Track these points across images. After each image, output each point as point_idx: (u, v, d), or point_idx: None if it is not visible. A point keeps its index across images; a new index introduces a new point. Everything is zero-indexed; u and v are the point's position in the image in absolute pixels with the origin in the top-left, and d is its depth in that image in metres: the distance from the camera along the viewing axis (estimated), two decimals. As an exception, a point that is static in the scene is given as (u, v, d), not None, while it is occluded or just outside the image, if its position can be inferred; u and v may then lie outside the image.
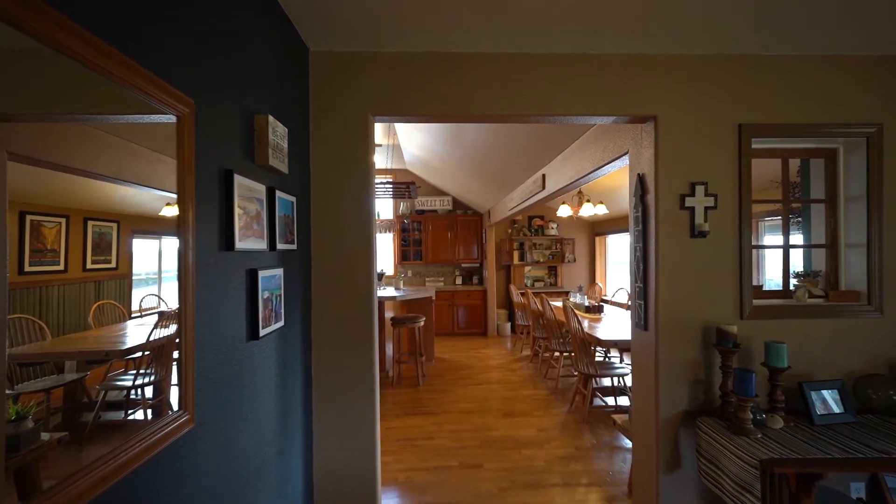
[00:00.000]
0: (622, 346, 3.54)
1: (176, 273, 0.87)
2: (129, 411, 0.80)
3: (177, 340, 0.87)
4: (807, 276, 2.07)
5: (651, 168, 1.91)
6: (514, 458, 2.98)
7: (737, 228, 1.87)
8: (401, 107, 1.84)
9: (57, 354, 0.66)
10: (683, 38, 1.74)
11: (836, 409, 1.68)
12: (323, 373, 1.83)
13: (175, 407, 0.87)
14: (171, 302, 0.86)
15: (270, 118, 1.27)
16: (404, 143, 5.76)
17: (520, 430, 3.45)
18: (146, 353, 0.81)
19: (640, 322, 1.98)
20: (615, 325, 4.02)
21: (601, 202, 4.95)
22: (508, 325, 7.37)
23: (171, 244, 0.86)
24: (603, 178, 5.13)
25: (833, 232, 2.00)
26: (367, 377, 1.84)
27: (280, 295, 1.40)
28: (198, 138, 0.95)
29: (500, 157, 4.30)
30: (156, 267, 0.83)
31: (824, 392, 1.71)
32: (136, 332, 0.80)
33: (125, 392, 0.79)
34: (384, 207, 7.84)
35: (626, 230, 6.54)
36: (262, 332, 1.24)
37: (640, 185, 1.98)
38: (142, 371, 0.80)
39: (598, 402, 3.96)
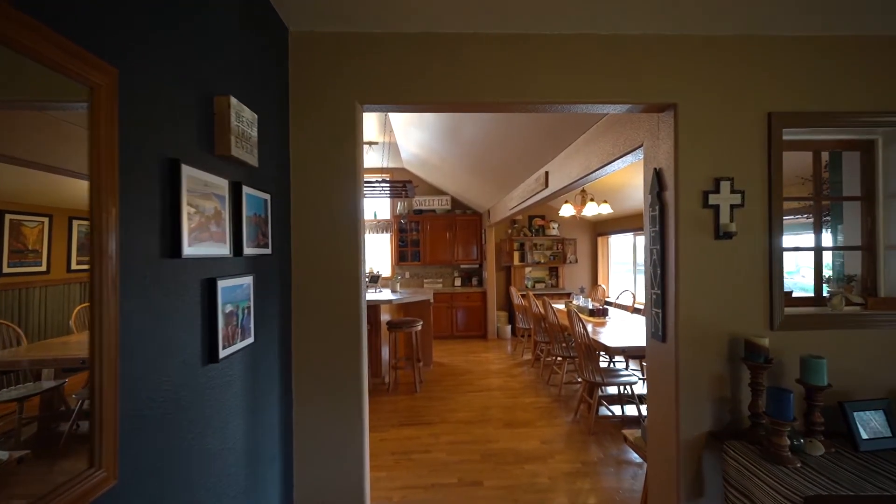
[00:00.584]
0: (630, 354, 3.35)
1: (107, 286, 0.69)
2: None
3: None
4: (839, 281, 1.88)
5: (670, 162, 1.72)
6: (515, 475, 2.79)
7: (766, 229, 1.68)
8: (392, 94, 1.64)
9: (30, 362, 0.64)
10: (706, 16, 1.55)
11: (883, 432, 1.49)
12: (306, 392, 1.63)
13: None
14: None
15: (233, 100, 1.07)
16: (401, 141, 5.57)
17: (522, 443, 3.26)
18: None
19: (658, 332, 1.79)
20: (621, 329, 3.84)
21: (605, 201, 4.77)
22: (509, 327, 7.18)
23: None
24: (607, 176, 4.94)
25: (870, 232, 1.81)
26: (354, 394, 1.65)
27: (248, 307, 1.20)
28: (126, 118, 0.76)
29: (500, 153, 4.11)
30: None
31: (869, 413, 1.52)
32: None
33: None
34: (381, 207, 7.65)
35: (629, 230, 6.34)
36: (222, 353, 1.05)
37: (657, 181, 1.79)
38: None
39: (603, 410, 3.77)
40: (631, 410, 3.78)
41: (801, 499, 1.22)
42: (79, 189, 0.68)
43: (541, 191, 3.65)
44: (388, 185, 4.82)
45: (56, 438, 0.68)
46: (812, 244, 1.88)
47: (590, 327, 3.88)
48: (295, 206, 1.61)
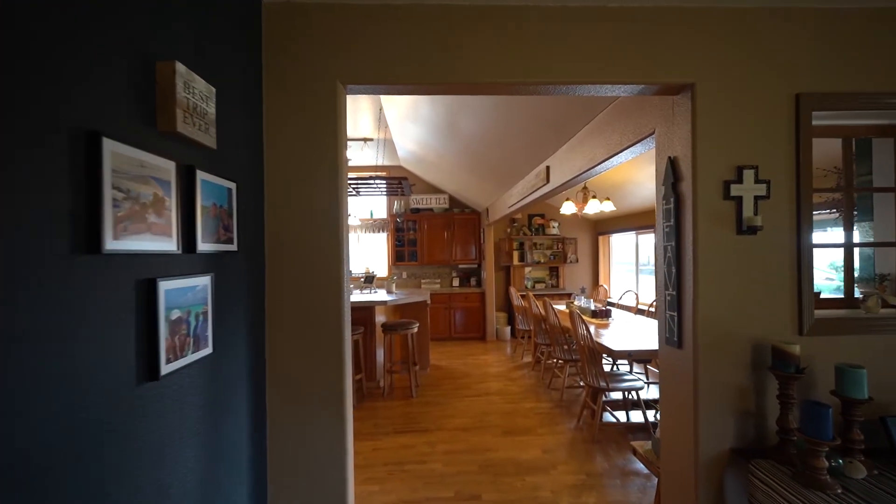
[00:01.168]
0: (637, 358, 3.18)
1: None
2: None
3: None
4: (869, 280, 1.71)
5: (686, 149, 1.55)
6: (516, 488, 2.61)
7: (794, 222, 1.51)
8: (378, 73, 1.47)
9: None
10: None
11: (931, 451, 1.33)
12: (282, 407, 1.46)
13: None
14: None
15: (180, 67, 0.90)
16: (397, 138, 5.40)
17: (522, 452, 3.09)
18: None
19: (673, 338, 1.62)
20: (625, 331, 3.67)
21: (607, 198, 4.60)
22: (508, 328, 7.02)
23: None
24: (609, 173, 4.78)
25: (906, 227, 1.64)
26: (336, 408, 1.47)
27: (205, 312, 1.03)
28: (22, 77, 0.59)
29: (499, 148, 3.94)
30: None
31: (914, 429, 1.35)
32: None
33: None
34: (378, 206, 7.48)
35: (631, 229, 6.18)
36: (166, 369, 0.88)
37: (672, 170, 1.62)
38: None
39: (607, 416, 3.60)
40: (636, 417, 3.62)
41: (848, 534, 1.05)
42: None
43: (541, 186, 3.48)
44: (383, 182, 4.64)
45: None
46: (831, 240, 1.71)
47: (592, 329, 3.71)
48: (269, 198, 1.44)
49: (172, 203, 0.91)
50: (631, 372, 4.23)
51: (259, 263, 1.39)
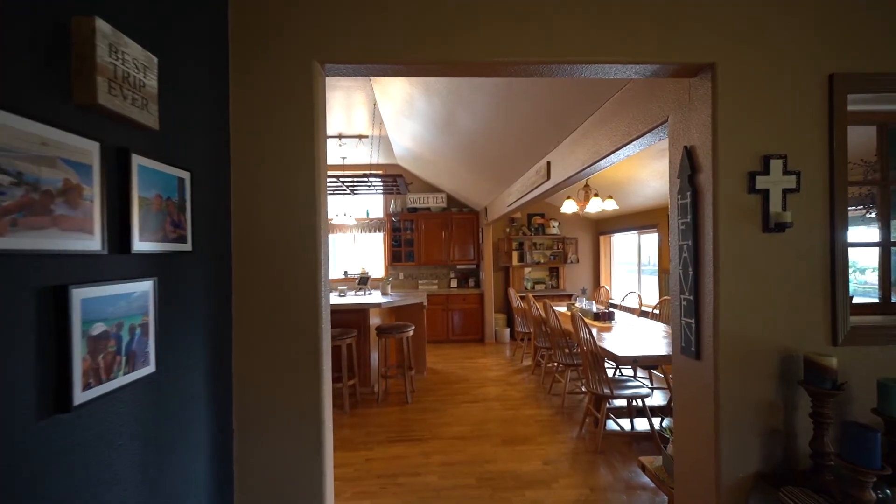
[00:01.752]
0: (643, 364, 3.02)
1: None
2: None
3: None
4: (904, 283, 1.55)
5: (706, 137, 1.38)
6: (516, 504, 2.45)
7: (827, 219, 1.35)
8: (360, 51, 1.31)
9: None
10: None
11: None
12: (251, 429, 1.29)
13: None
14: None
15: (103, 26, 0.74)
16: (393, 135, 5.24)
17: (522, 463, 2.92)
18: None
19: (690, 347, 1.46)
20: (629, 335, 3.50)
21: (610, 196, 4.44)
22: (507, 331, 6.85)
23: None
24: (611, 171, 4.62)
25: (948, 224, 1.48)
26: (313, 428, 1.31)
27: (145, 324, 0.87)
28: None
29: (497, 143, 3.78)
30: None
31: (969, 454, 1.19)
32: None
33: None
34: (374, 205, 7.32)
35: (634, 228, 6.02)
36: (82, 397, 0.71)
37: (689, 161, 1.45)
38: None
39: (610, 424, 3.44)
40: (641, 424, 3.45)
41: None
42: None
43: (542, 183, 3.32)
44: (377, 179, 4.48)
45: None
46: (866, 239, 1.55)
47: (594, 332, 3.55)
48: (237, 191, 1.27)
49: (95, 192, 0.74)
50: (635, 377, 4.07)
51: (223, 265, 1.23)
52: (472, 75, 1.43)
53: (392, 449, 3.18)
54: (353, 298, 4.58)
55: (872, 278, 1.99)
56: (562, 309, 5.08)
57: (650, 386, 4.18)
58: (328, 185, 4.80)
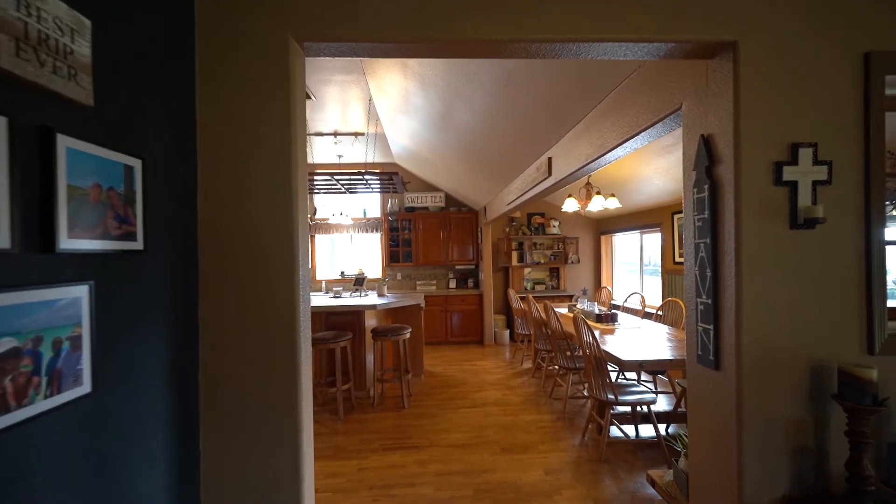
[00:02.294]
0: (649, 369, 2.89)
1: None
2: None
3: None
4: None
5: (726, 125, 1.25)
6: (516, 519, 2.32)
7: (862, 214, 1.22)
8: (341, 26, 1.17)
9: None
10: None
11: None
12: (220, 449, 1.15)
13: None
14: None
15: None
16: (389, 132, 5.10)
17: (522, 473, 2.79)
18: None
19: (708, 356, 1.33)
20: (634, 338, 3.37)
21: (612, 195, 4.30)
22: (507, 332, 6.71)
23: None
24: (613, 167, 4.48)
25: None
26: (290, 446, 1.17)
27: (77, 336, 0.73)
28: None
29: (497, 140, 3.64)
30: None
31: None
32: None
33: None
34: (371, 205, 7.19)
35: (636, 228, 5.89)
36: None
37: (707, 151, 1.32)
38: None
39: (614, 431, 3.31)
40: (647, 430, 3.32)
41: None
42: None
43: (543, 180, 3.19)
44: (372, 177, 4.34)
45: None
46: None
47: (596, 334, 3.41)
48: (204, 184, 1.14)
49: (1, 178, 0.61)
50: (639, 382, 3.94)
51: (187, 266, 1.09)
52: (469, 55, 1.30)
53: (387, 457, 3.05)
54: (347, 300, 4.45)
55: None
56: (563, 310, 4.94)
57: (654, 391, 4.04)
58: (322, 183, 4.67)
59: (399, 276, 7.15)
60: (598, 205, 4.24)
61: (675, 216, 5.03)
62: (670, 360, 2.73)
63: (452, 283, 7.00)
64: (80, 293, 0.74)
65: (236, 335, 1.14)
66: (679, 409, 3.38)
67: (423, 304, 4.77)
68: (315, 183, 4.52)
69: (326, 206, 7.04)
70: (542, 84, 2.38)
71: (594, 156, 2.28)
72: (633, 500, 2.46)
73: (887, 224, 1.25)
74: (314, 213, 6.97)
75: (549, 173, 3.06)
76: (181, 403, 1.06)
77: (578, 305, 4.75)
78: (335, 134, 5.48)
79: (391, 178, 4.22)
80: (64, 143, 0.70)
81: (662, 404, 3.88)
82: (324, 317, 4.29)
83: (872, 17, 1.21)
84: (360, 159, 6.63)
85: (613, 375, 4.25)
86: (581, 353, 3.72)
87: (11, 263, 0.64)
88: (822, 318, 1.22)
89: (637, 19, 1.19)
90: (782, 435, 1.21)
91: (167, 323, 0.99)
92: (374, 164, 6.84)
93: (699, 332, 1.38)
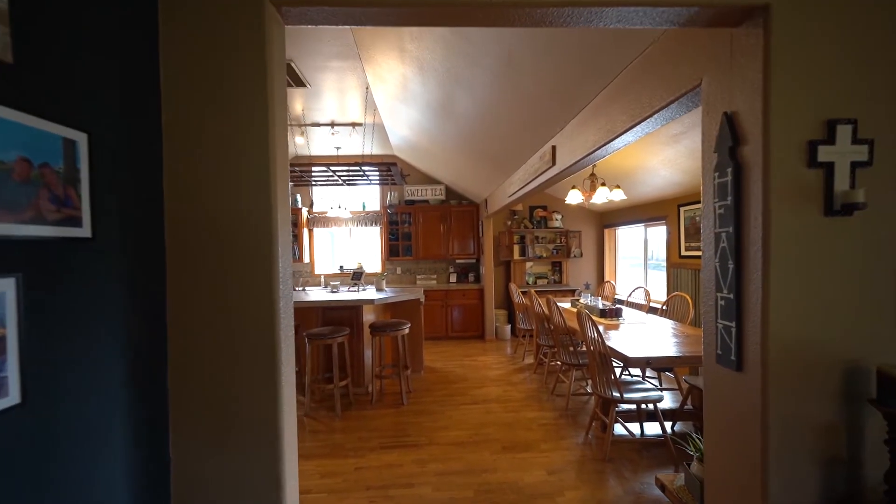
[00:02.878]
0: (656, 366, 2.78)
1: None
2: None
3: None
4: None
5: (754, 101, 1.12)
6: (518, 522, 2.22)
7: (905, 199, 1.10)
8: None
9: None
10: None
11: None
12: (190, 459, 1.04)
13: None
14: None
15: None
16: (388, 122, 4.96)
17: (524, 472, 2.69)
18: None
19: (729, 356, 1.21)
20: (639, 333, 3.26)
21: (618, 186, 4.17)
22: (508, 327, 6.62)
23: None
24: (618, 158, 4.34)
25: None
26: (268, 443, 1.06)
27: (1, 338, 0.62)
28: None
29: (498, 128, 3.51)
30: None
31: None
32: None
33: None
34: (370, 198, 7.06)
35: (640, 221, 5.76)
36: None
37: (731, 130, 1.20)
38: None
39: (618, 428, 3.20)
40: (652, 428, 3.22)
41: None
42: None
43: (546, 169, 3.06)
44: (370, 168, 4.21)
45: None
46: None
47: (601, 328, 3.30)
48: (171, 165, 1.02)
49: None
50: (644, 378, 3.83)
51: (151, 257, 0.98)
52: (466, 22, 1.17)
53: (385, 456, 2.96)
54: (345, 294, 4.34)
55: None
56: (565, 305, 4.83)
57: (659, 387, 3.94)
58: (320, 175, 4.54)
59: (399, 271, 7.04)
60: (602, 196, 4.10)
61: (682, 208, 4.89)
62: (679, 357, 2.62)
63: (453, 278, 6.89)
64: (1, 288, 0.63)
65: (210, 334, 1.03)
66: (686, 407, 3.27)
67: (422, 299, 4.66)
68: (313, 175, 4.40)
69: (325, 199, 6.92)
70: (547, 66, 2.25)
71: (601, 142, 2.15)
72: (638, 500, 2.36)
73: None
74: (311, 206, 6.85)
75: (553, 162, 2.93)
76: (147, 409, 0.96)
77: (582, 300, 4.63)
78: (332, 124, 5.34)
79: (389, 168, 4.10)
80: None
81: (667, 401, 3.78)
82: (321, 312, 4.19)
83: (922, -24, 1.08)
84: (359, 151, 6.50)
85: (617, 371, 4.15)
86: (584, 348, 3.62)
87: None
88: (858, 315, 1.10)
89: (655, -20, 1.06)
90: (811, 442, 1.10)
91: (126, 321, 0.87)
92: (372, 156, 6.71)
93: (719, 329, 1.26)
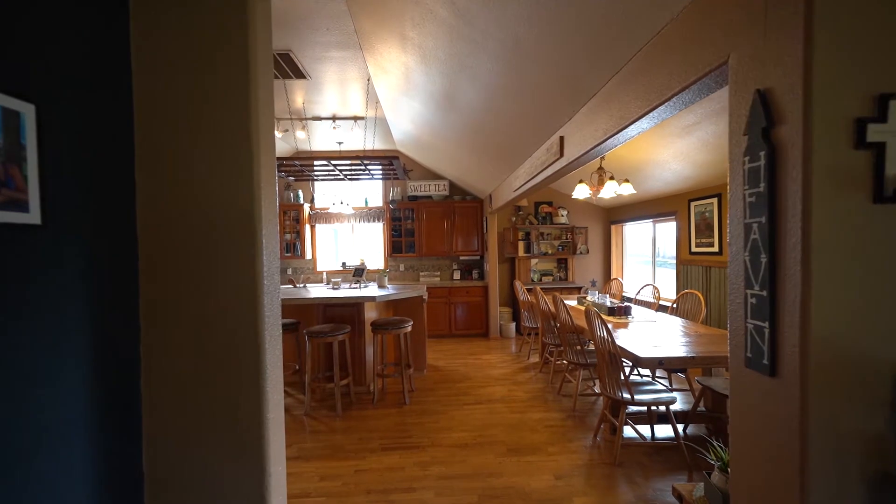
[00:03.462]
0: (669, 367, 2.66)
1: None
2: None
3: None
4: None
5: (793, 74, 1.01)
6: (524, 530, 2.12)
7: (966, 184, 0.97)
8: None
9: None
10: None
11: None
12: (164, 476, 0.95)
13: None
14: None
15: None
16: (391, 116, 4.86)
17: (531, 477, 2.59)
18: None
19: (761, 360, 1.10)
20: (649, 332, 3.14)
21: (627, 180, 4.03)
22: (513, 325, 6.51)
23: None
24: (626, 151, 4.21)
25: None
26: (252, 454, 0.96)
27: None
28: None
29: (504, 120, 3.39)
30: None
31: None
32: None
33: None
34: (373, 193, 6.96)
35: (648, 217, 5.62)
36: None
37: (764, 109, 1.08)
38: None
39: (627, 430, 3.10)
40: (664, 430, 3.10)
41: None
42: None
43: (554, 161, 2.94)
44: (371, 162, 4.11)
45: None
46: None
47: (610, 328, 3.18)
48: (144, 147, 0.92)
49: None
50: (654, 378, 3.71)
51: (120, 247, 0.88)
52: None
53: (386, 458, 2.87)
54: (346, 291, 4.25)
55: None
56: (572, 302, 4.72)
57: (669, 387, 3.82)
58: (321, 169, 4.44)
59: (402, 268, 6.95)
60: (610, 191, 3.97)
61: (693, 203, 4.75)
62: (693, 358, 2.50)
63: (456, 275, 6.79)
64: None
65: (187, 333, 0.93)
66: (699, 409, 3.15)
67: (425, 296, 4.56)
68: (314, 170, 4.30)
69: (327, 195, 6.83)
70: (555, 51, 2.12)
71: (613, 130, 2.03)
72: (652, 509, 2.26)
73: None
74: (313, 202, 6.76)
75: (561, 154, 2.81)
76: (114, 414, 0.86)
77: (589, 297, 4.52)
78: (334, 118, 5.24)
79: (391, 162, 3.99)
80: None
81: (679, 403, 3.66)
82: (321, 309, 4.10)
83: None
84: (361, 146, 6.40)
85: (627, 371, 4.04)
86: (592, 347, 3.51)
87: None
88: (911, 315, 0.98)
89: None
90: (858, 456, 0.99)
91: (88, 315, 0.78)
92: (375, 151, 6.61)
93: (748, 330, 1.15)
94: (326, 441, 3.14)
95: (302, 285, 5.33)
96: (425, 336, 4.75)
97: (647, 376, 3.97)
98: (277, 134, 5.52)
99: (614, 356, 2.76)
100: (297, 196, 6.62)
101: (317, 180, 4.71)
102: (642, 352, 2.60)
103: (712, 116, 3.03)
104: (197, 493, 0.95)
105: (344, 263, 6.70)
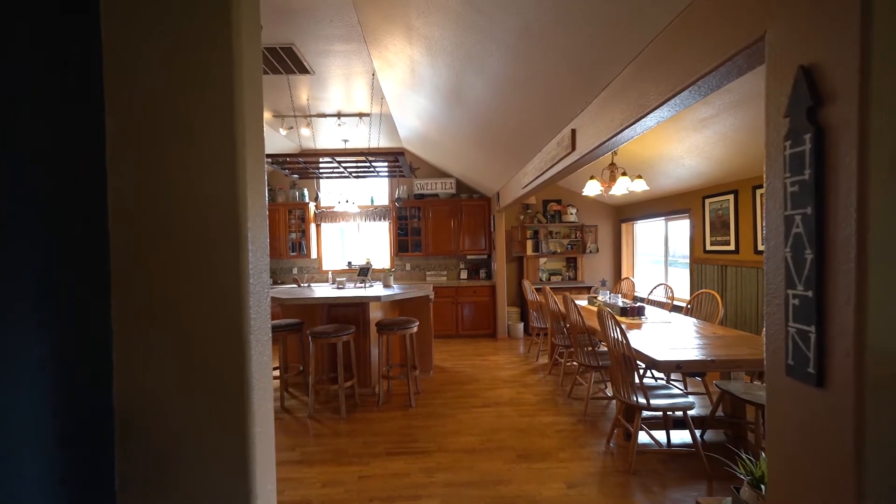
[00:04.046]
0: (688, 370, 2.53)
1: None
2: None
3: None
4: None
5: (846, 46, 0.89)
6: (536, 543, 2.02)
7: None
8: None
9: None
10: None
11: None
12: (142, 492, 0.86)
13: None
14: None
15: None
16: (396, 113, 4.77)
17: (541, 485, 2.48)
18: None
19: (806, 367, 0.98)
20: (665, 334, 3.01)
21: (639, 176, 3.90)
22: (521, 325, 6.39)
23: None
24: (637, 147, 4.06)
25: None
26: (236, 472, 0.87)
27: None
28: None
29: (512, 113, 3.28)
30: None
31: None
32: None
33: None
34: (379, 192, 6.88)
35: (660, 215, 5.46)
36: None
37: (809, 87, 0.96)
38: None
39: (642, 435, 2.97)
40: (681, 435, 2.97)
41: None
42: None
43: (565, 156, 2.82)
44: (376, 158, 4.02)
45: None
46: None
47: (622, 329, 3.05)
48: (115, 130, 0.83)
49: None
50: (668, 382, 3.58)
51: (88, 249, 0.79)
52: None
53: (391, 464, 2.77)
54: (351, 291, 4.17)
55: None
56: (582, 302, 4.59)
57: (685, 391, 3.68)
58: (326, 166, 4.36)
59: (408, 267, 6.86)
60: (622, 187, 3.84)
61: (707, 200, 4.60)
62: (714, 362, 2.37)
63: (464, 274, 6.69)
64: None
65: (163, 341, 0.84)
66: (717, 415, 3.02)
67: (432, 296, 4.47)
68: (319, 167, 4.22)
69: (332, 193, 6.77)
70: (566, 38, 2.01)
71: (630, 120, 1.91)
72: (671, 522, 2.14)
73: None
74: (318, 201, 6.70)
75: (573, 147, 2.69)
76: (80, 429, 0.77)
77: (599, 297, 4.39)
78: (338, 115, 5.16)
79: (396, 158, 3.89)
80: None
81: (695, 407, 3.52)
82: (325, 309, 4.03)
83: None
84: (366, 144, 6.32)
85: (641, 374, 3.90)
86: (604, 348, 3.38)
87: None
88: None
89: None
90: (922, 481, 0.87)
91: (41, 324, 0.69)
92: (380, 149, 6.52)
93: (790, 334, 1.03)
94: (330, 445, 3.05)
95: (306, 285, 5.26)
96: (432, 337, 4.65)
97: (662, 379, 3.84)
98: (282, 131, 5.46)
99: (628, 359, 2.64)
100: (302, 195, 6.56)
101: (321, 178, 4.63)
102: (659, 354, 2.48)
103: (730, 108, 2.88)
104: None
105: (349, 262, 6.63)
